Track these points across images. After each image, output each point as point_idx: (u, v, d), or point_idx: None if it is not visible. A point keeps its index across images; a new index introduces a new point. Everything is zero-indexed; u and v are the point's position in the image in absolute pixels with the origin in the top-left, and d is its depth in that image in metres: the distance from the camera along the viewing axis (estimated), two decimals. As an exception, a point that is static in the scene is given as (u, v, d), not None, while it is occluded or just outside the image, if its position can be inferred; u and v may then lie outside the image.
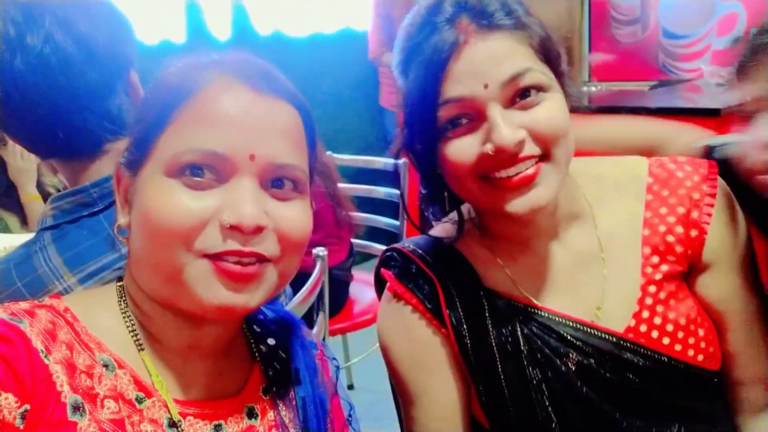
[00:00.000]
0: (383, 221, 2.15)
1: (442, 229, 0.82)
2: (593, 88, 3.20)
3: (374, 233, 2.18)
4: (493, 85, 0.67)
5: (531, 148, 0.68)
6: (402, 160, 2.16)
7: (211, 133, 0.55)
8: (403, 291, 0.78)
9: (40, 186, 2.07)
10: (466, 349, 0.76)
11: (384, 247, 0.88)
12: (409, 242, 0.82)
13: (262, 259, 0.57)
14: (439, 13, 0.69)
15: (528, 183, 0.68)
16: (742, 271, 0.79)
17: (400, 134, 0.76)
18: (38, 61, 0.72)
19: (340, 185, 1.99)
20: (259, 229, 0.55)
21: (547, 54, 0.70)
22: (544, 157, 0.69)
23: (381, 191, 2.17)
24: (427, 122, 0.69)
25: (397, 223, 2.10)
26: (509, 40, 0.68)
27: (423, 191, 0.80)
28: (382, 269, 0.82)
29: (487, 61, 0.67)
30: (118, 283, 0.63)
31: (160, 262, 0.56)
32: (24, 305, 0.58)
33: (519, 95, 0.68)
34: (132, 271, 0.61)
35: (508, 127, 0.66)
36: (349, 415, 0.75)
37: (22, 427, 0.51)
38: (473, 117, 0.68)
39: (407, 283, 0.78)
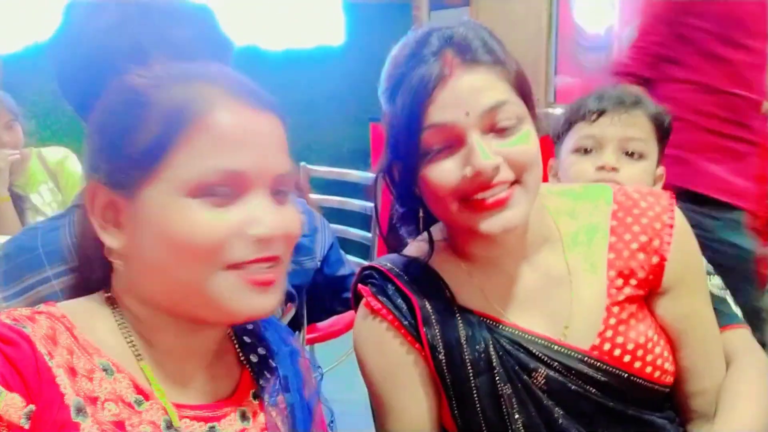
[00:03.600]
0: (355, 233, 2.17)
1: (416, 247, 0.86)
2: (558, 111, 3.30)
3: (345, 245, 2.19)
4: (474, 113, 0.72)
5: (506, 174, 0.73)
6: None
7: (229, 154, 0.58)
8: (379, 308, 0.81)
9: (10, 188, 2.01)
10: (440, 365, 0.79)
11: (355, 259, 0.91)
12: (385, 260, 0.86)
13: (275, 259, 0.61)
14: (427, 46, 0.74)
15: (501, 205, 0.73)
16: (698, 293, 0.85)
17: (383, 156, 0.80)
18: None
19: (313, 196, 2.00)
20: (279, 238, 0.60)
21: (522, 88, 0.77)
22: (517, 182, 0.75)
23: (354, 203, 2.20)
24: (411, 145, 0.74)
25: (369, 235, 2.12)
26: (489, 75, 0.74)
27: (399, 210, 0.85)
28: (360, 285, 0.85)
29: (469, 92, 0.73)
30: (106, 294, 0.64)
31: (182, 279, 0.58)
32: (24, 312, 0.59)
33: (496, 125, 0.74)
34: (140, 286, 0.62)
35: (486, 152, 0.72)
36: (331, 422, 0.78)
37: (27, 427, 0.52)
38: (454, 143, 0.74)
39: (384, 300, 0.82)
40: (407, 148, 0.74)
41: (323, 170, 2.19)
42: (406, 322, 0.80)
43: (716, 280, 1.06)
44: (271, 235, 0.59)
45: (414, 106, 0.73)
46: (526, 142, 0.75)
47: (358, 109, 3.20)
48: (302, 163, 2.18)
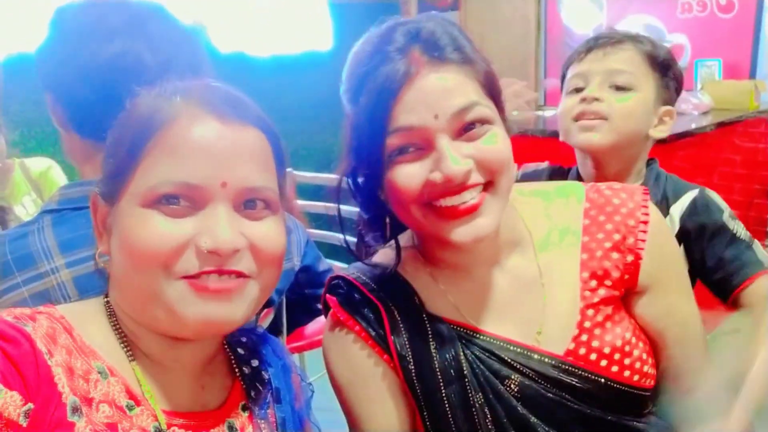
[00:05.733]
0: (341, 238, 2.15)
1: (384, 255, 0.84)
2: (547, 113, 3.30)
3: (333, 251, 2.18)
4: (443, 116, 0.69)
5: (476, 177, 0.71)
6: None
7: (183, 165, 0.58)
8: (346, 318, 0.79)
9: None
10: (410, 375, 0.77)
11: (343, 265, 0.89)
12: (353, 269, 0.84)
13: (241, 275, 0.60)
14: (391, 43, 0.71)
15: (472, 212, 0.71)
16: (678, 290, 0.83)
17: (344, 160, 0.77)
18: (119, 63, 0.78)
19: (300, 202, 1.99)
20: (235, 252, 0.59)
21: (491, 88, 0.74)
22: (488, 185, 0.72)
23: (342, 209, 2.18)
24: (375, 148, 0.71)
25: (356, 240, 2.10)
26: (458, 74, 0.71)
27: (364, 216, 0.81)
28: (327, 295, 0.83)
29: (438, 93, 0.69)
30: (105, 299, 0.65)
31: (140, 287, 0.59)
32: (25, 311, 0.60)
33: (465, 127, 0.71)
34: (116, 293, 0.64)
35: (456, 158, 0.69)
36: None
37: (25, 425, 0.53)
38: (421, 145, 0.71)
39: (350, 310, 0.80)
40: (371, 151, 0.71)
41: (310, 176, 2.18)
42: (373, 333, 0.78)
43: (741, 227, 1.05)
44: (219, 250, 0.58)
45: (378, 107, 0.69)
46: (495, 143, 0.72)
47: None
48: (288, 169, 2.17)
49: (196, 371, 0.66)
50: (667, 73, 1.11)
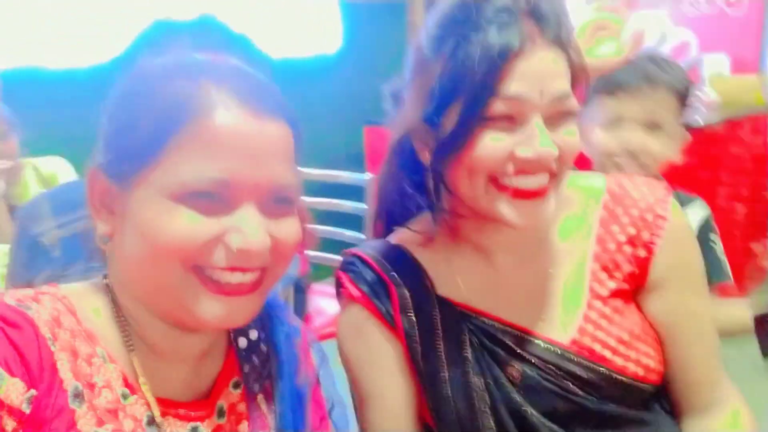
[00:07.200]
0: (349, 235, 2.17)
1: (400, 236, 0.85)
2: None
3: (339, 246, 2.20)
4: (547, 95, 0.68)
5: (553, 164, 0.71)
6: (369, 176, 2.20)
7: (219, 162, 0.56)
8: (358, 295, 0.81)
9: (4, 198, 2.02)
10: (416, 353, 0.78)
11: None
12: (366, 247, 0.85)
13: (258, 270, 0.59)
14: (504, 6, 0.68)
15: (539, 196, 0.71)
16: (692, 292, 0.81)
17: (411, 114, 0.74)
18: None
19: (306, 199, 2.00)
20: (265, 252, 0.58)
21: (577, 82, 0.73)
22: (555, 175, 0.72)
23: (347, 205, 2.20)
24: (473, 108, 0.67)
25: (362, 237, 2.12)
26: (563, 60, 0.71)
27: (413, 177, 0.79)
28: (340, 272, 0.84)
29: (547, 71, 0.69)
30: (105, 281, 0.63)
31: (153, 276, 0.57)
32: (29, 292, 0.59)
33: (558, 114, 0.70)
34: (121, 279, 0.61)
35: (548, 139, 0.69)
36: (331, 407, 0.77)
37: (28, 412, 0.52)
38: (513, 119, 0.69)
39: (363, 286, 0.81)
40: (468, 111, 0.67)
41: (315, 173, 2.19)
42: (384, 310, 0.79)
43: None
44: (249, 249, 0.56)
45: (492, 69, 0.66)
46: (575, 137, 0.72)
47: (352, 113, 3.20)
48: (295, 167, 2.19)
49: (195, 359, 0.65)
50: (688, 100, 1.20)
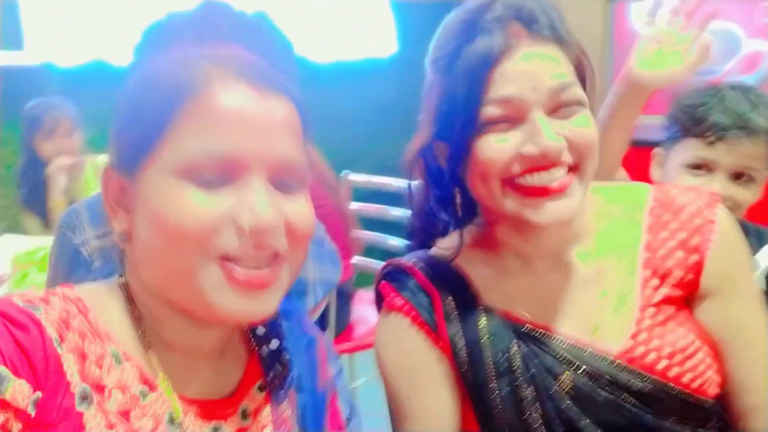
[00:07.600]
0: (396, 243, 2.15)
1: (440, 246, 0.83)
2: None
3: (386, 254, 2.18)
4: (541, 89, 0.69)
5: (566, 156, 0.70)
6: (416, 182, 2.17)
7: (223, 136, 0.55)
8: (402, 304, 0.79)
9: (68, 192, 2.10)
10: (462, 364, 0.76)
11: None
12: (410, 257, 0.83)
13: (275, 256, 0.57)
14: (490, 13, 0.71)
15: (559, 192, 0.70)
16: (745, 299, 0.78)
17: (424, 133, 0.76)
18: None
19: (354, 205, 2.00)
20: (275, 228, 0.56)
21: (582, 73, 0.74)
22: (574, 168, 0.71)
23: (394, 212, 2.18)
24: (469, 117, 0.70)
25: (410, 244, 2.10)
26: (557, 52, 0.71)
27: (435, 193, 0.80)
28: (382, 282, 0.82)
29: (537, 66, 0.69)
30: (120, 280, 0.63)
31: (174, 265, 0.56)
32: (39, 293, 0.58)
33: (560, 105, 0.70)
34: (140, 272, 0.61)
35: (551, 132, 0.68)
36: (349, 417, 0.74)
37: (33, 414, 0.51)
38: (514, 118, 0.70)
39: (406, 296, 0.79)
40: (464, 120, 0.70)
41: (364, 179, 2.19)
42: (428, 319, 0.77)
43: None
44: (262, 227, 0.55)
45: (477, 76, 0.69)
46: (587, 125, 0.71)
47: (406, 119, 3.20)
48: (345, 171, 2.19)
49: (214, 356, 0.64)
50: None
